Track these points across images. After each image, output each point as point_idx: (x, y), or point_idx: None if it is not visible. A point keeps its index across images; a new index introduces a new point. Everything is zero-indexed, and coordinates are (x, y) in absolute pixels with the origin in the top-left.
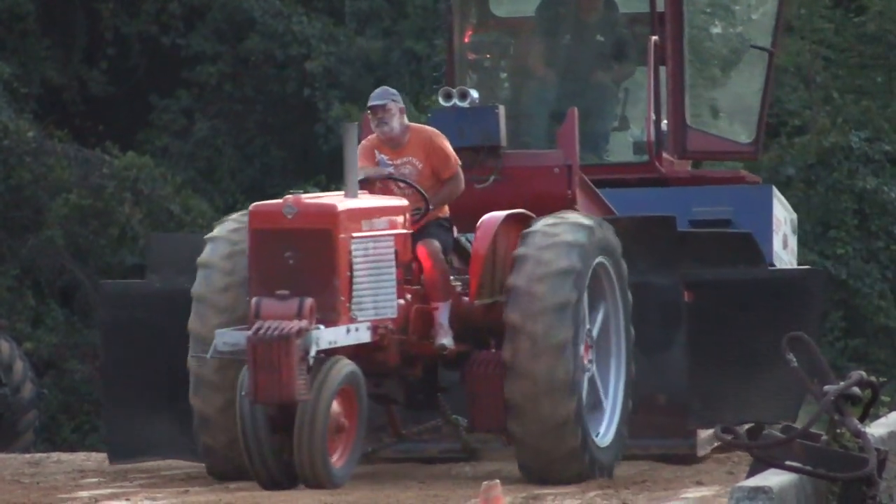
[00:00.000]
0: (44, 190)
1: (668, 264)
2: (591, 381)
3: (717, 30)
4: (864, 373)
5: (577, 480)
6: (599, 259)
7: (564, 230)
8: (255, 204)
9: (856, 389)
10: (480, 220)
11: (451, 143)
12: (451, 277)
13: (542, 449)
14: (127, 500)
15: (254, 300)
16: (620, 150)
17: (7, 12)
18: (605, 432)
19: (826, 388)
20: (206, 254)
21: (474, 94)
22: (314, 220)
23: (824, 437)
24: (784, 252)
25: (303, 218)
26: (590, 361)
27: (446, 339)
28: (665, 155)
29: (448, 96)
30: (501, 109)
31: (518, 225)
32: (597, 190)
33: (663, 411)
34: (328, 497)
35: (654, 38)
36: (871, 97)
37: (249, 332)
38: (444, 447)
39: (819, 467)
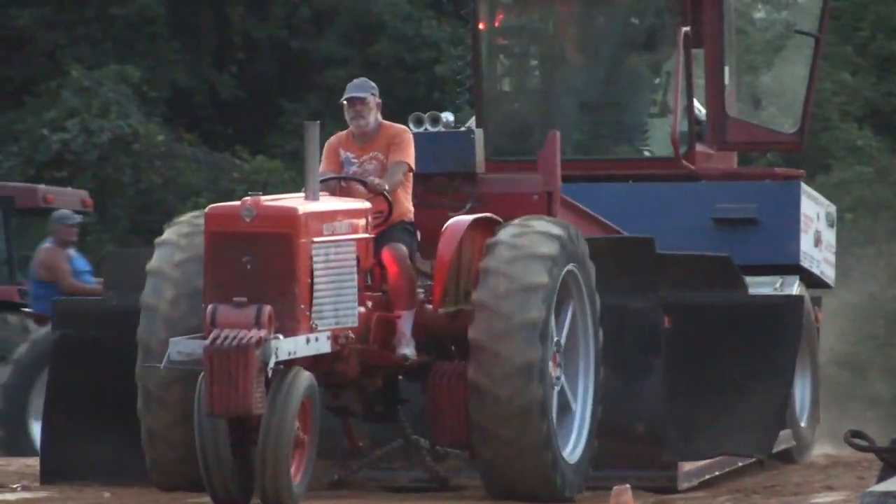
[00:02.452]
0: (174, 193)
1: (647, 287)
2: (560, 391)
3: (760, 14)
4: None
5: (542, 488)
6: (568, 267)
7: (532, 241)
8: (211, 205)
9: None
10: (445, 226)
11: (425, 169)
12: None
13: (510, 473)
14: None
15: (209, 307)
16: (661, 138)
17: (137, 16)
18: (574, 446)
19: None
20: (156, 261)
21: (449, 117)
22: (274, 224)
23: None
24: (816, 250)
25: (262, 221)
26: (559, 368)
27: (408, 350)
28: (701, 147)
29: (419, 121)
30: (478, 134)
31: (484, 230)
32: (586, 209)
33: (641, 441)
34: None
35: (685, 28)
36: None
37: (206, 342)
38: (413, 475)
39: None
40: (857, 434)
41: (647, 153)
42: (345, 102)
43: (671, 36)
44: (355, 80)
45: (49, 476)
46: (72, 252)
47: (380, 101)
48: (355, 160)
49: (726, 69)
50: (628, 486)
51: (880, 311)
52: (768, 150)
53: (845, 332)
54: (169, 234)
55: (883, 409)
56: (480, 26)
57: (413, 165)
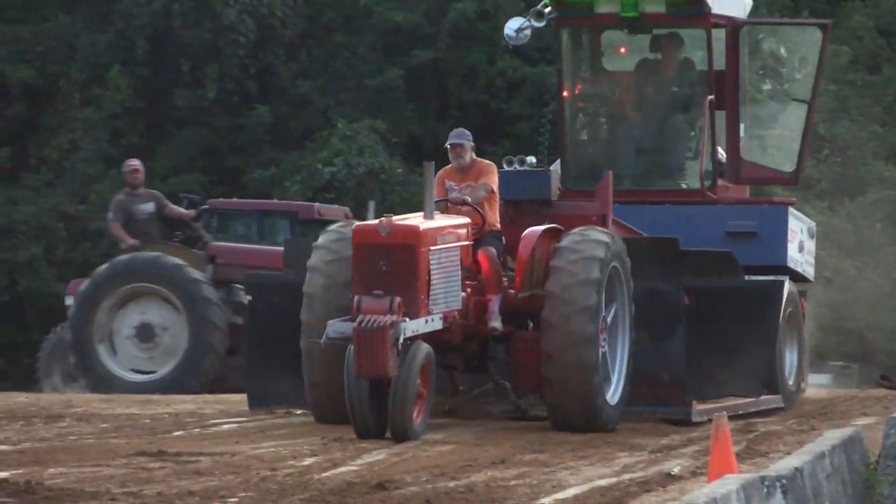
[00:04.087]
0: (409, 209)
1: (672, 274)
2: (604, 355)
3: (767, 86)
4: None
5: (591, 423)
6: (613, 264)
7: (588, 247)
8: (357, 224)
9: None
10: (524, 233)
11: (513, 196)
12: None
13: (570, 414)
14: None
15: (356, 297)
16: (693, 175)
17: (384, 85)
18: (613, 392)
19: None
20: (314, 259)
21: (532, 159)
22: (402, 237)
23: None
24: (799, 254)
25: (394, 235)
26: (604, 341)
27: (497, 323)
28: (722, 182)
29: (510, 163)
30: (553, 171)
31: (551, 237)
32: (628, 225)
33: (666, 386)
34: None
35: (710, 96)
36: None
37: (354, 324)
38: (501, 408)
39: None
40: (884, 377)
41: (683, 186)
42: (448, 146)
43: (701, 102)
44: (455, 130)
45: (254, 404)
46: None
47: (473, 144)
48: (456, 187)
49: (742, 125)
50: (725, 413)
51: None
52: (772, 184)
53: (878, 302)
54: (322, 240)
55: None
56: (564, 94)
57: (495, 189)
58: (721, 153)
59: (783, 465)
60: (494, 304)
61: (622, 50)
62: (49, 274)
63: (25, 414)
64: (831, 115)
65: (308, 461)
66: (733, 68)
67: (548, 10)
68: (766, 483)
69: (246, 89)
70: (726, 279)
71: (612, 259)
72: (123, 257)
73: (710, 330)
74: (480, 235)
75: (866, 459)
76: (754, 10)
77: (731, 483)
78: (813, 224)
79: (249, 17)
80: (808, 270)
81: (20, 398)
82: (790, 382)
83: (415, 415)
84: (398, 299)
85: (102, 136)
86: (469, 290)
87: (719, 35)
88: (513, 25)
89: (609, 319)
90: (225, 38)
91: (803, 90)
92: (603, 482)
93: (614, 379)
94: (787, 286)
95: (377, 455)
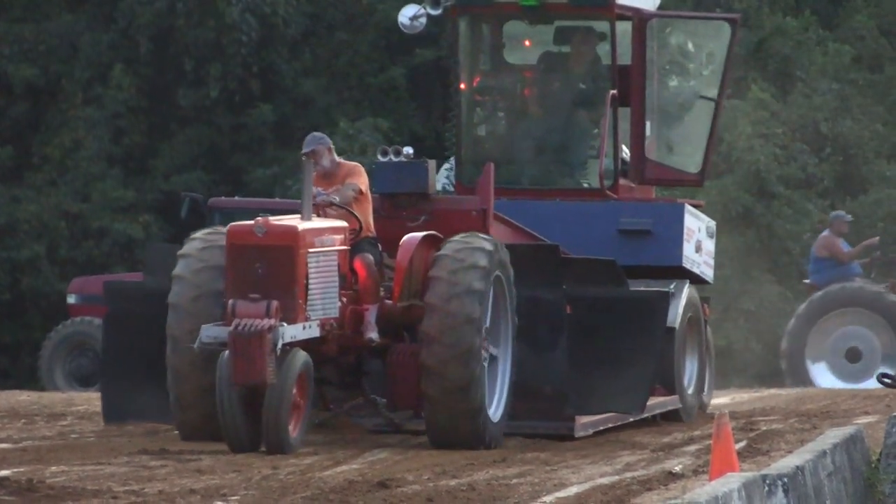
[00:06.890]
0: None
1: (554, 283)
2: (484, 369)
3: (674, 83)
4: None
5: (473, 442)
6: (496, 273)
7: (471, 255)
8: (231, 224)
9: None
10: (402, 240)
11: (388, 189)
12: None
13: (450, 431)
14: None
15: (230, 302)
16: (596, 174)
17: (386, 84)
18: (496, 407)
19: None
20: (179, 268)
21: (409, 150)
22: (279, 238)
23: None
24: (697, 255)
25: (270, 236)
26: (486, 354)
27: (374, 334)
28: (624, 182)
29: (385, 153)
30: (431, 163)
31: (430, 244)
32: (512, 220)
33: (547, 399)
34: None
35: (613, 91)
36: None
37: (230, 328)
38: (374, 422)
39: None
40: (885, 375)
41: (584, 185)
42: (303, 156)
43: (603, 97)
44: (308, 137)
45: (110, 418)
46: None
47: (331, 146)
48: (324, 192)
49: (648, 123)
50: (727, 412)
51: None
52: (677, 185)
53: None
54: (188, 248)
55: None
56: (462, 86)
57: (364, 190)
58: (625, 151)
59: (784, 463)
60: (371, 314)
61: (526, 42)
62: (51, 273)
63: (27, 412)
64: (833, 114)
65: (309, 459)
66: (639, 63)
67: None
68: (767, 481)
69: (249, 88)
70: (609, 288)
71: (495, 268)
72: None
73: (593, 341)
74: (356, 241)
75: (868, 458)
76: (662, 4)
77: (732, 481)
78: (713, 223)
79: (252, 16)
80: (707, 272)
81: (22, 396)
82: (689, 391)
83: (291, 426)
84: (275, 303)
85: (105, 135)
86: (345, 298)
87: (626, 28)
88: (407, 13)
89: (491, 332)
90: (228, 36)
91: (711, 87)
92: (604, 480)
93: (496, 395)
94: (687, 290)
95: (379, 453)
